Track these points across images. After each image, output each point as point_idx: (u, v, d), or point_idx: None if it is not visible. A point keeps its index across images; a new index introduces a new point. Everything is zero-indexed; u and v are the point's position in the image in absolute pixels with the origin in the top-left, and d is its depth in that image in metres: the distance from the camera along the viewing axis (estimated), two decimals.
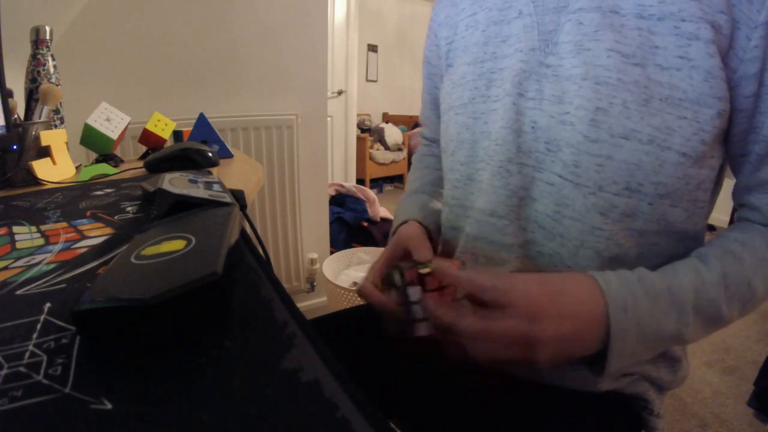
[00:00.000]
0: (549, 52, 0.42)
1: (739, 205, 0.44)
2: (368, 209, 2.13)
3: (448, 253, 0.54)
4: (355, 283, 1.57)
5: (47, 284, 0.29)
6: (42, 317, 0.24)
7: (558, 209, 0.42)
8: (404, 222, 0.55)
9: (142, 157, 0.95)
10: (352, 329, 0.58)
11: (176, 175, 0.48)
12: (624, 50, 0.38)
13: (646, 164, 0.37)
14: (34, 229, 0.41)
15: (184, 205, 0.38)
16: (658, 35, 0.37)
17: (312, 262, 1.68)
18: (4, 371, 0.19)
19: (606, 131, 0.38)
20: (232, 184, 0.58)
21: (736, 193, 0.43)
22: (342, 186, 2.24)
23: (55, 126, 0.80)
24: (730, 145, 0.40)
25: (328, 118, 2.63)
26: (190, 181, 0.46)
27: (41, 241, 0.37)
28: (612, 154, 0.38)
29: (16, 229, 0.41)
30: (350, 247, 1.86)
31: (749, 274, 0.37)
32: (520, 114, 0.43)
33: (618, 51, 0.38)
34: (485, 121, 0.46)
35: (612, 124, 0.38)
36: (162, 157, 0.73)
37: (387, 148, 4.17)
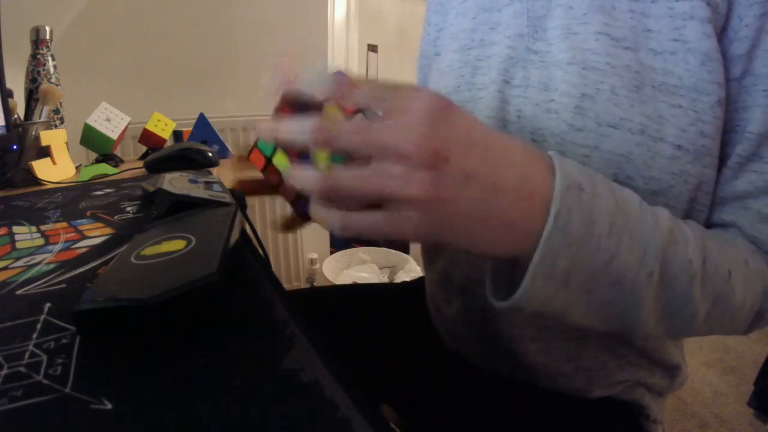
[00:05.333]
0: (537, 38, 0.40)
1: (707, 227, 0.38)
2: None
3: (434, 249, 0.54)
4: (355, 283, 1.57)
5: (47, 284, 0.29)
6: (42, 317, 0.24)
7: None
8: None
9: (142, 157, 0.95)
10: (345, 307, 0.58)
11: (176, 175, 0.48)
12: (614, 33, 0.36)
13: (636, 156, 0.34)
14: (34, 229, 0.41)
15: (184, 205, 0.38)
16: (652, 18, 0.35)
17: (312, 262, 1.68)
18: (4, 371, 0.19)
19: (592, 119, 0.35)
20: (232, 184, 0.58)
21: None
22: None
23: (55, 126, 0.80)
24: None
25: None
26: (190, 181, 0.46)
27: (41, 241, 0.37)
28: (599, 144, 0.35)
29: (16, 229, 0.41)
30: (350, 247, 1.86)
31: (731, 264, 0.31)
32: (505, 102, 0.41)
33: (607, 34, 0.36)
34: (470, 110, 0.44)
35: (599, 111, 0.35)
36: (162, 157, 0.73)
37: None
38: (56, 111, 0.80)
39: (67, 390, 0.18)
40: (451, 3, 0.52)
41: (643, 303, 0.28)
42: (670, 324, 0.31)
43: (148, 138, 0.92)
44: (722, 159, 0.36)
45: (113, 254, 0.34)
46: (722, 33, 0.34)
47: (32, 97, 0.76)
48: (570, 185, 0.25)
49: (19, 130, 0.68)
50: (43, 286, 0.28)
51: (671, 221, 0.29)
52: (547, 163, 0.27)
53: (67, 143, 0.75)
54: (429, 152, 0.23)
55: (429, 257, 0.55)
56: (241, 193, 0.47)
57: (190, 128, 0.94)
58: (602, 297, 0.28)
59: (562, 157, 0.27)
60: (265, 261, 0.33)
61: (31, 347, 0.21)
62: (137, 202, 0.51)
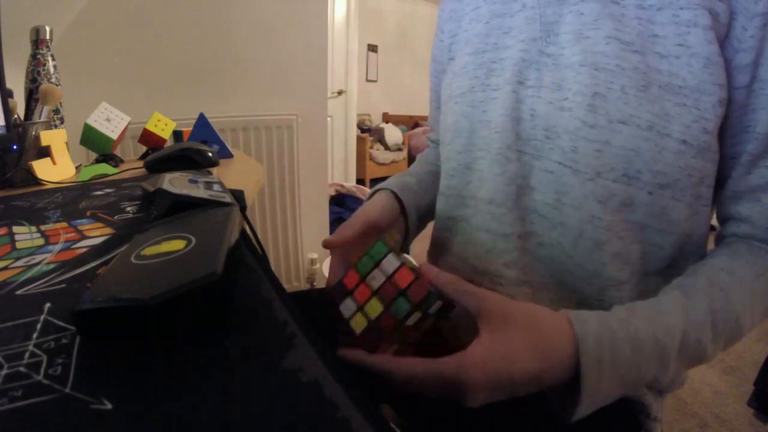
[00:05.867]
0: (550, 42, 0.43)
1: (724, 220, 0.42)
2: None
3: (442, 244, 0.54)
4: None
5: (47, 284, 0.29)
6: (42, 317, 0.24)
7: (558, 197, 0.42)
8: (378, 190, 0.57)
9: (142, 157, 0.95)
10: None
11: (176, 175, 0.48)
12: (623, 38, 0.38)
13: (644, 151, 0.37)
14: (34, 229, 0.41)
15: (184, 205, 0.38)
16: (658, 24, 0.38)
17: (312, 262, 1.68)
18: (4, 371, 0.19)
19: (604, 116, 0.38)
20: (232, 184, 0.58)
21: (722, 206, 0.42)
22: (342, 186, 2.24)
23: (55, 126, 0.80)
24: (721, 144, 0.40)
25: (328, 118, 2.63)
26: (190, 181, 0.46)
27: (41, 241, 0.37)
28: (610, 139, 0.38)
29: (16, 229, 0.41)
30: None
31: (737, 311, 0.35)
32: (519, 102, 0.44)
33: (617, 38, 0.38)
34: (484, 109, 0.47)
35: (610, 109, 0.38)
36: (162, 157, 0.73)
37: (387, 148, 4.17)
38: (56, 111, 0.80)
39: (67, 390, 0.18)
40: (464, 10, 0.54)
41: (662, 380, 0.34)
42: (687, 369, 0.37)
43: (148, 138, 0.92)
44: (735, 157, 0.39)
45: (113, 254, 0.34)
46: (725, 40, 0.37)
47: (32, 97, 0.76)
48: (591, 371, 0.31)
49: (19, 130, 0.68)
50: (43, 286, 0.28)
51: (680, 320, 0.34)
52: (571, 345, 0.32)
53: (67, 143, 0.75)
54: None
55: (435, 255, 0.56)
56: (241, 193, 0.47)
57: (190, 128, 0.94)
58: (630, 390, 0.35)
59: (584, 327, 0.32)
60: (264, 261, 0.33)
61: (31, 347, 0.21)
62: (137, 202, 0.51)
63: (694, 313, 0.34)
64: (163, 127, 0.92)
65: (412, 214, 0.57)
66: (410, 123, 4.67)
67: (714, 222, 0.45)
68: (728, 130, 0.39)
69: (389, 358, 0.34)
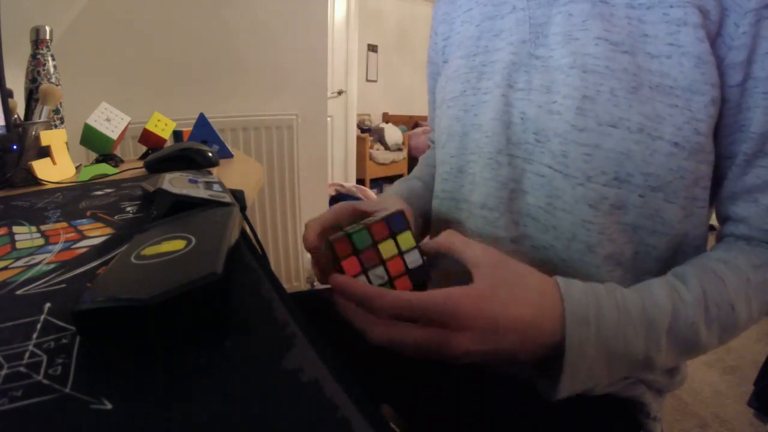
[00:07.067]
0: (539, 44, 0.42)
1: (723, 221, 0.42)
2: None
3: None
4: None
5: (47, 284, 0.29)
6: (42, 317, 0.24)
7: (550, 201, 0.41)
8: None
9: (142, 157, 0.95)
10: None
11: (176, 175, 0.48)
12: (612, 38, 0.38)
13: (635, 153, 0.37)
14: (34, 229, 0.41)
15: (184, 205, 0.38)
16: (648, 24, 0.37)
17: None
18: (4, 371, 0.19)
19: (593, 119, 0.37)
20: (232, 184, 0.58)
21: (720, 206, 0.42)
22: (342, 186, 2.24)
23: (55, 126, 0.80)
24: (716, 144, 0.39)
25: (328, 118, 2.63)
26: (190, 181, 0.46)
27: (41, 241, 0.37)
28: (600, 142, 0.37)
29: (16, 229, 0.41)
30: None
31: (732, 297, 0.34)
32: (509, 105, 0.43)
33: (606, 39, 0.38)
34: (475, 113, 0.47)
35: (599, 112, 0.37)
36: (162, 157, 0.73)
37: (387, 148, 4.17)
38: (56, 111, 0.80)
39: (67, 390, 0.18)
40: (456, 12, 0.54)
41: (655, 361, 0.33)
42: (684, 359, 0.36)
43: (148, 138, 0.92)
44: (730, 157, 0.39)
45: (113, 254, 0.34)
46: (717, 38, 0.36)
47: (32, 97, 0.76)
48: (576, 328, 0.30)
49: (19, 130, 0.68)
50: (43, 286, 0.28)
51: (670, 295, 0.34)
52: (558, 303, 0.31)
53: (67, 143, 0.75)
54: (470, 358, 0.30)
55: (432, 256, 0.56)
56: (241, 193, 0.47)
57: (190, 128, 0.94)
58: (620, 369, 0.33)
59: (570, 287, 0.32)
60: (264, 261, 0.33)
61: (31, 347, 0.21)
62: (137, 202, 0.51)
63: (685, 294, 0.34)
64: (163, 127, 0.92)
65: (418, 219, 0.56)
66: (410, 123, 4.67)
67: (714, 222, 0.45)
68: (723, 130, 0.38)
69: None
